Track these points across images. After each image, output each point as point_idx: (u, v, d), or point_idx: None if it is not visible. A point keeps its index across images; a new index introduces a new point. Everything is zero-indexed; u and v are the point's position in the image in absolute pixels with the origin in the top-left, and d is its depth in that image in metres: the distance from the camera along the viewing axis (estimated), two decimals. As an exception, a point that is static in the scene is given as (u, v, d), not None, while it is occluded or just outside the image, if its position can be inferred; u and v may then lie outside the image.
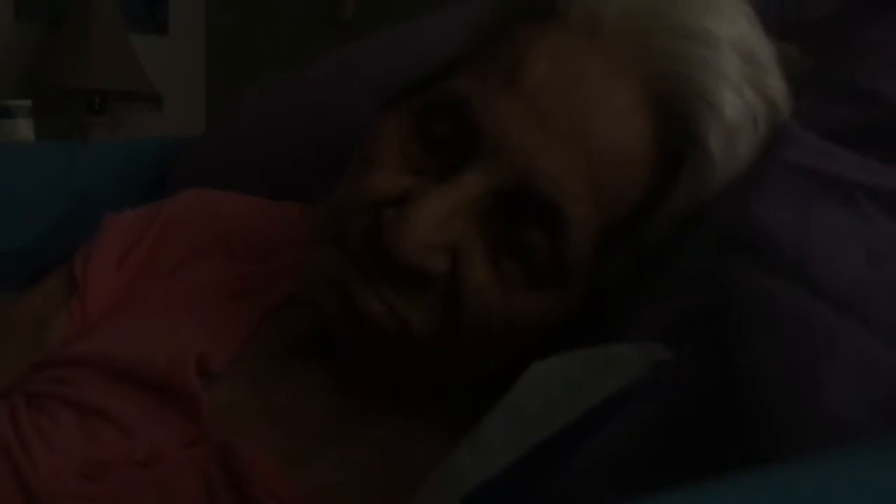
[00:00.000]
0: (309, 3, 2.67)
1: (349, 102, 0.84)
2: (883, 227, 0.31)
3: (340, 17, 2.58)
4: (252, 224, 0.67)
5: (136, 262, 0.64)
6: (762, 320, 0.28)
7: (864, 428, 0.25)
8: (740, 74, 0.49)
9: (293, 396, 0.55)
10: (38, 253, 0.80)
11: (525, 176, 0.47)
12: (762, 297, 0.29)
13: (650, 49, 0.49)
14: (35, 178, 0.84)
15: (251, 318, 0.59)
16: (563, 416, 0.33)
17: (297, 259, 0.57)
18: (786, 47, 0.53)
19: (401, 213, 0.48)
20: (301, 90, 0.90)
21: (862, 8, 0.52)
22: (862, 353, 0.26)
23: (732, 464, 0.19)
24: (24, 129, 1.80)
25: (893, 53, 0.49)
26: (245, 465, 0.49)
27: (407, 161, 0.51)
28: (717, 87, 0.48)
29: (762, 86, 0.50)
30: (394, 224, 0.48)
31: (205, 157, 0.91)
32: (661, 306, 0.45)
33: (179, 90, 2.69)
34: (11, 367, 0.59)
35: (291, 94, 0.91)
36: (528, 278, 0.49)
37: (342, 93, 0.86)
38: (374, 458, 0.52)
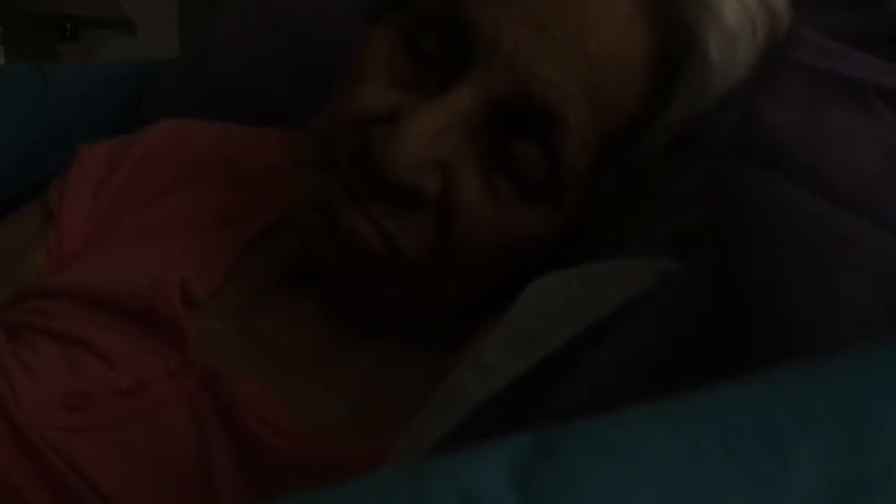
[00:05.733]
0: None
1: (330, 21, 0.82)
2: (896, 128, 0.30)
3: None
4: (228, 152, 0.66)
5: (111, 192, 0.63)
6: (775, 224, 0.28)
7: (882, 327, 0.24)
8: None
9: (280, 325, 0.54)
10: (14, 176, 0.78)
11: (521, 83, 0.46)
12: (774, 202, 0.28)
13: None
14: (7, 102, 0.82)
15: (234, 246, 0.59)
16: (566, 330, 0.32)
17: (283, 184, 0.56)
18: None
19: (390, 129, 0.47)
20: (279, 10, 0.88)
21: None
22: (879, 252, 0.26)
23: (743, 371, 0.18)
24: (-6, 55, 1.76)
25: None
26: (232, 391, 0.49)
27: (395, 77, 0.49)
28: None
29: None
30: (383, 141, 0.47)
31: (180, 82, 0.89)
32: (660, 222, 0.45)
33: (152, 15, 2.63)
34: None
35: (269, 15, 0.88)
36: (522, 194, 0.48)
37: (323, 11, 0.83)
38: (362, 384, 0.52)
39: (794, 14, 0.50)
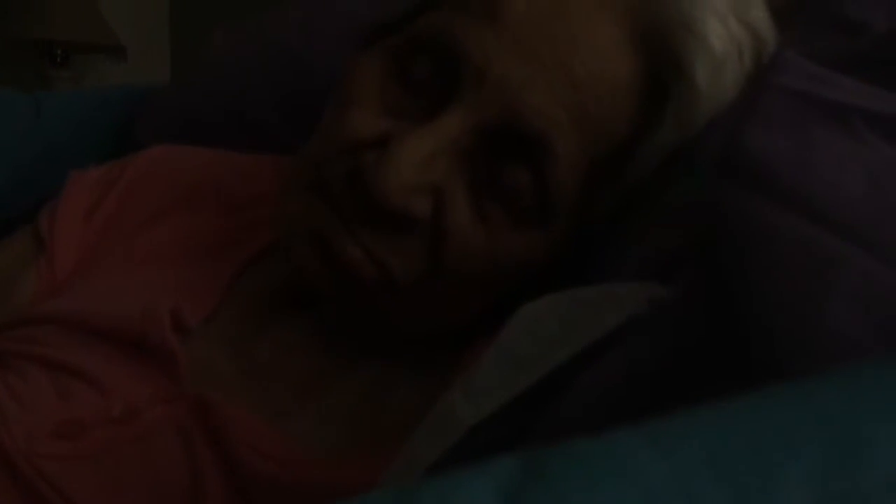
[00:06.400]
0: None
1: (321, 47, 0.82)
2: (882, 152, 0.30)
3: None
4: (221, 178, 0.66)
5: (102, 218, 0.63)
6: (762, 247, 0.28)
7: (867, 350, 0.25)
8: (725, 5, 0.48)
9: (272, 351, 0.54)
10: (6, 201, 0.78)
11: (510, 110, 0.46)
12: (761, 225, 0.29)
13: None
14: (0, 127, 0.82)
15: (226, 272, 0.58)
16: (557, 355, 0.32)
17: (275, 209, 0.56)
18: None
19: (381, 155, 0.47)
20: (270, 35, 0.88)
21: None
22: (864, 276, 0.26)
23: (733, 391, 0.19)
24: (-15, 82, 1.76)
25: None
26: (223, 419, 0.48)
27: (386, 102, 0.50)
28: (702, 16, 0.47)
29: (747, 17, 0.50)
30: (374, 167, 0.47)
31: (172, 107, 0.89)
32: (649, 244, 0.45)
33: (143, 40, 2.63)
34: None
35: (260, 40, 0.88)
36: (512, 219, 0.49)
37: (314, 37, 0.84)
38: (355, 407, 0.52)
39: (779, 38, 0.51)
